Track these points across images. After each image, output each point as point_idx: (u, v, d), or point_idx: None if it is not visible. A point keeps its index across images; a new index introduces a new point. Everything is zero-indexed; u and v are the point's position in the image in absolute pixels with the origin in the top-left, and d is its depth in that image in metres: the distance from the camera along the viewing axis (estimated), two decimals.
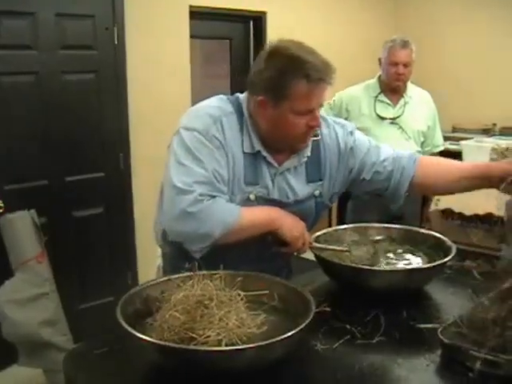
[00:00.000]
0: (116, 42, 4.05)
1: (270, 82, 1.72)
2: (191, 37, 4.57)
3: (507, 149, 2.99)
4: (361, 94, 3.49)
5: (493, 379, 1.38)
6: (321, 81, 1.73)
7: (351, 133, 2.02)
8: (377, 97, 3.54)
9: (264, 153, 1.83)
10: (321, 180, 1.94)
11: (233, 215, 1.71)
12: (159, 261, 2.01)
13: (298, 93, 1.71)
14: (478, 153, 3.37)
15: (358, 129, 3.33)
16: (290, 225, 1.79)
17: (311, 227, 1.95)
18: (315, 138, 1.91)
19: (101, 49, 4.00)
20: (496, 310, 1.52)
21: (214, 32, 5.08)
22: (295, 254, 1.86)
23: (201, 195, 1.68)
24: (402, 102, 3.55)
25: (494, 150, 3.00)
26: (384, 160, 2.01)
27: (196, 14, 4.59)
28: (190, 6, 4.50)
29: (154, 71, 4.32)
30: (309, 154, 1.91)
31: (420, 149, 3.62)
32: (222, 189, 1.74)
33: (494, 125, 5.74)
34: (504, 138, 4.73)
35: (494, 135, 5.42)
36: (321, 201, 1.96)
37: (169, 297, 1.47)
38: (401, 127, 3.52)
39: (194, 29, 4.59)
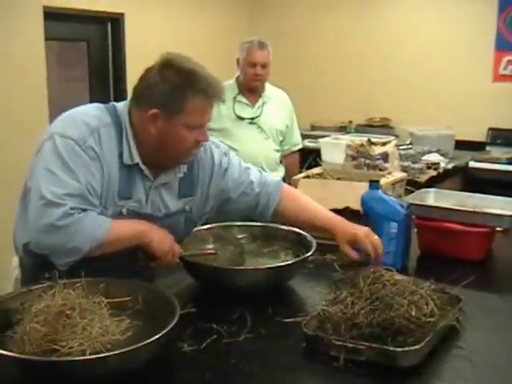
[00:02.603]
0: None
1: (167, 95, 1.70)
2: (46, 39, 4.40)
3: (361, 145, 3.14)
4: None
5: (355, 366, 1.45)
6: (215, 97, 1.75)
7: (225, 154, 2.02)
8: (235, 97, 3.58)
9: (142, 166, 1.79)
10: (192, 196, 1.93)
11: (102, 229, 1.66)
12: (16, 272, 1.91)
13: (194, 107, 1.72)
14: (334, 149, 3.50)
15: (218, 130, 3.42)
16: (159, 240, 1.76)
17: (180, 241, 1.91)
18: None
19: None
20: (353, 302, 1.59)
21: (71, 34, 4.92)
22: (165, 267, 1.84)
23: (72, 209, 1.62)
24: (260, 102, 3.61)
25: (348, 146, 3.14)
26: (252, 182, 2.03)
27: (51, 15, 4.43)
28: (44, 7, 4.34)
29: (5, 73, 4.09)
30: (185, 170, 1.90)
31: (279, 148, 3.71)
32: (94, 202, 1.69)
33: (350, 122, 6.00)
34: (359, 134, 4.94)
35: (350, 132, 5.65)
36: (190, 216, 1.95)
37: (29, 308, 1.42)
38: (260, 127, 3.58)
39: (49, 30, 4.42)
